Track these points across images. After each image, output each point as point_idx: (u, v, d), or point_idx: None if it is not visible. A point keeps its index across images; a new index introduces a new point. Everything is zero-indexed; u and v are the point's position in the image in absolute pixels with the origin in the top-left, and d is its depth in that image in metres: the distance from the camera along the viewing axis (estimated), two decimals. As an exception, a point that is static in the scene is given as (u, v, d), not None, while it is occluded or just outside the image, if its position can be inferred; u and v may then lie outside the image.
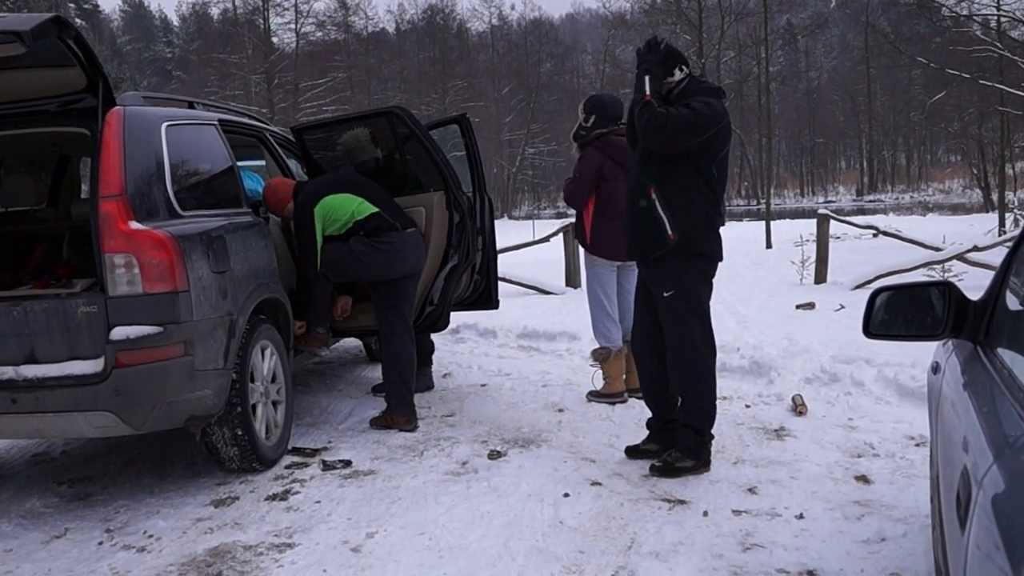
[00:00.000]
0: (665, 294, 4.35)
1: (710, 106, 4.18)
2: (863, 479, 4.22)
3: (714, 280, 4.51)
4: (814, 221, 12.32)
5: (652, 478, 4.33)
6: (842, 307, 8.79)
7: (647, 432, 4.74)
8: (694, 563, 3.36)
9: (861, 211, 45.04)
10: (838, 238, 17.36)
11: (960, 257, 10.76)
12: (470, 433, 5.23)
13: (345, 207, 5.20)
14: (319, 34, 54.73)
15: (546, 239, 13.21)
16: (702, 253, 4.33)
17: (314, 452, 4.95)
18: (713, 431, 4.46)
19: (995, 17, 22.33)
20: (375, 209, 5.25)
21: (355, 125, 6.13)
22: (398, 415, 5.34)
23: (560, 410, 5.71)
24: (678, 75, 4.34)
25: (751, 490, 4.12)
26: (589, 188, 5.64)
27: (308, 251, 5.21)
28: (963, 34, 23.81)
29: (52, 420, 3.91)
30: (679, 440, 4.42)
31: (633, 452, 4.68)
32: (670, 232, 4.24)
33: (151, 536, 3.87)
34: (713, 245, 4.37)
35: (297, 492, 4.34)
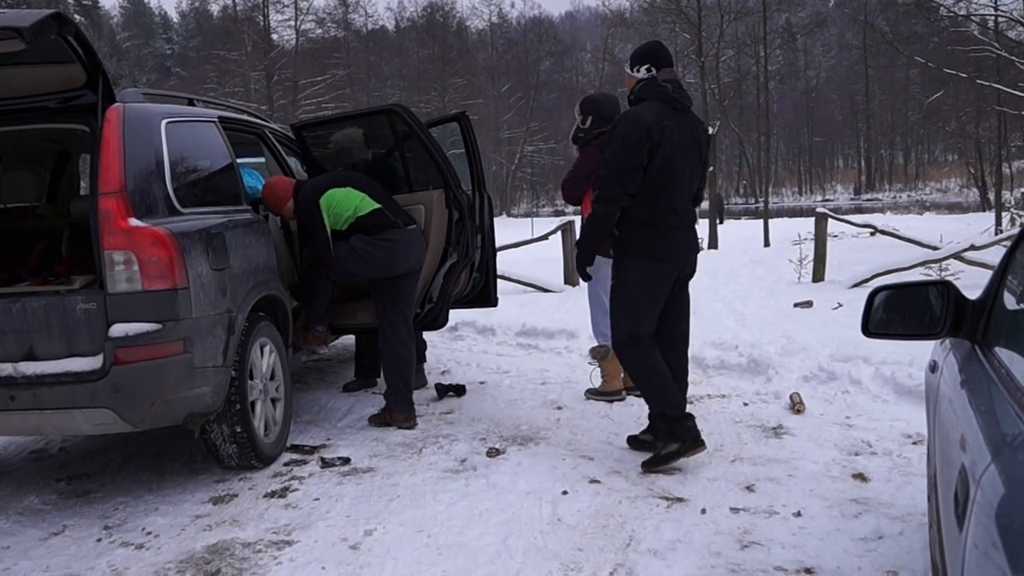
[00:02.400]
0: (612, 283, 4.63)
1: (627, 123, 4.40)
2: (860, 477, 4.23)
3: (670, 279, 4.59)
4: (812, 219, 12.32)
5: (650, 475, 4.34)
6: (840, 305, 8.79)
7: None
8: (692, 561, 3.37)
9: (859, 210, 45.11)
10: (836, 236, 17.36)
11: (957, 256, 10.76)
12: (469, 431, 5.24)
13: (348, 202, 5.20)
14: (319, 31, 54.64)
15: (545, 237, 13.20)
16: (637, 253, 4.48)
17: (313, 449, 4.95)
18: (711, 428, 4.47)
19: (993, 17, 22.33)
20: (377, 205, 5.25)
21: (355, 123, 6.13)
22: (397, 412, 5.35)
23: (559, 408, 5.72)
24: (642, 73, 4.57)
25: (749, 488, 4.13)
26: (583, 185, 5.67)
27: (318, 241, 5.17)
28: (961, 34, 23.84)
29: (50, 417, 3.90)
30: (655, 429, 4.60)
31: (633, 441, 4.86)
32: (615, 231, 4.52)
33: (149, 533, 3.87)
34: (647, 246, 4.48)
35: (296, 489, 4.34)
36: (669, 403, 4.48)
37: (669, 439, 4.44)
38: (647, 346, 4.54)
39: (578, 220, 6.03)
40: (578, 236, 4.83)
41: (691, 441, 4.42)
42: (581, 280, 4.85)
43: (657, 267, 4.49)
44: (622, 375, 5.86)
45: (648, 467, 4.42)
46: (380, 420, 5.38)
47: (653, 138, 4.34)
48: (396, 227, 5.26)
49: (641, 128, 4.33)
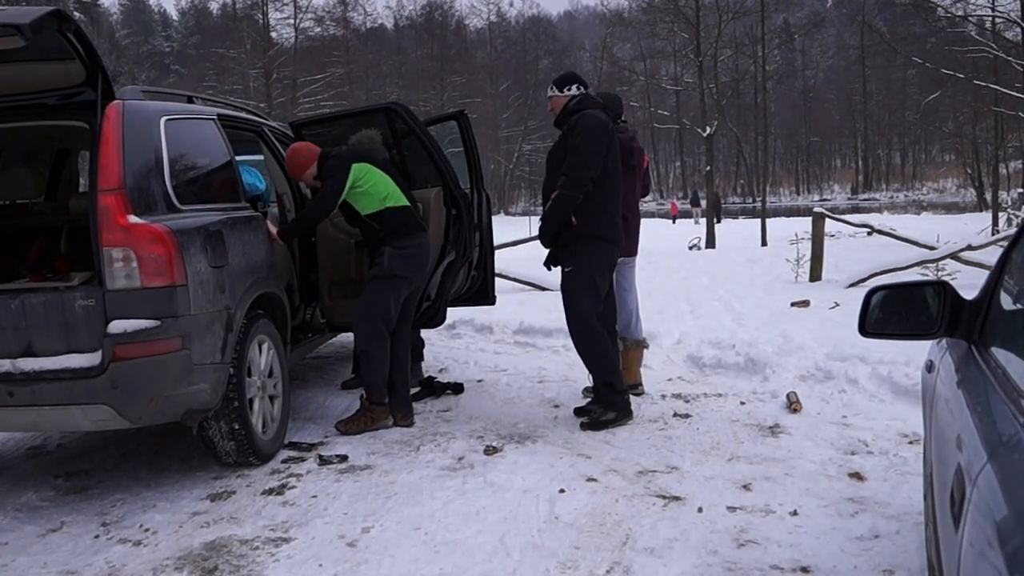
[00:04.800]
0: (566, 269, 5.21)
1: (591, 118, 5.04)
2: (857, 476, 4.24)
3: (615, 265, 5.30)
4: (809, 219, 12.33)
5: (647, 474, 4.35)
6: (837, 305, 8.81)
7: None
8: (689, 559, 3.38)
9: (856, 209, 45.23)
10: (833, 236, 17.39)
11: (954, 256, 10.79)
12: (466, 429, 5.24)
13: (382, 186, 5.19)
14: (318, 29, 54.66)
15: (542, 236, 13.18)
16: (597, 234, 5.10)
17: (311, 447, 4.96)
18: (707, 427, 4.49)
19: (990, 18, 22.36)
20: (407, 203, 5.25)
21: (353, 121, 6.13)
22: (395, 410, 5.35)
23: (556, 406, 5.73)
24: (574, 91, 5.28)
25: (746, 487, 4.14)
26: None
27: (323, 202, 5.12)
28: (958, 35, 23.86)
29: (49, 413, 3.91)
30: (600, 397, 5.23)
31: (579, 411, 5.40)
32: (573, 220, 5.09)
33: (147, 530, 3.88)
34: (607, 228, 5.13)
35: (293, 487, 4.34)
36: (618, 377, 5.20)
37: (609, 408, 5.15)
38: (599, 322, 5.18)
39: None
40: (544, 213, 5.30)
41: (624, 412, 5.16)
42: (544, 246, 5.39)
43: (612, 249, 5.20)
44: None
45: (587, 428, 5.11)
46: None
47: (609, 134, 5.09)
48: (422, 230, 5.27)
49: (604, 122, 5.07)
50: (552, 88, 5.36)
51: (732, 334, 7.25)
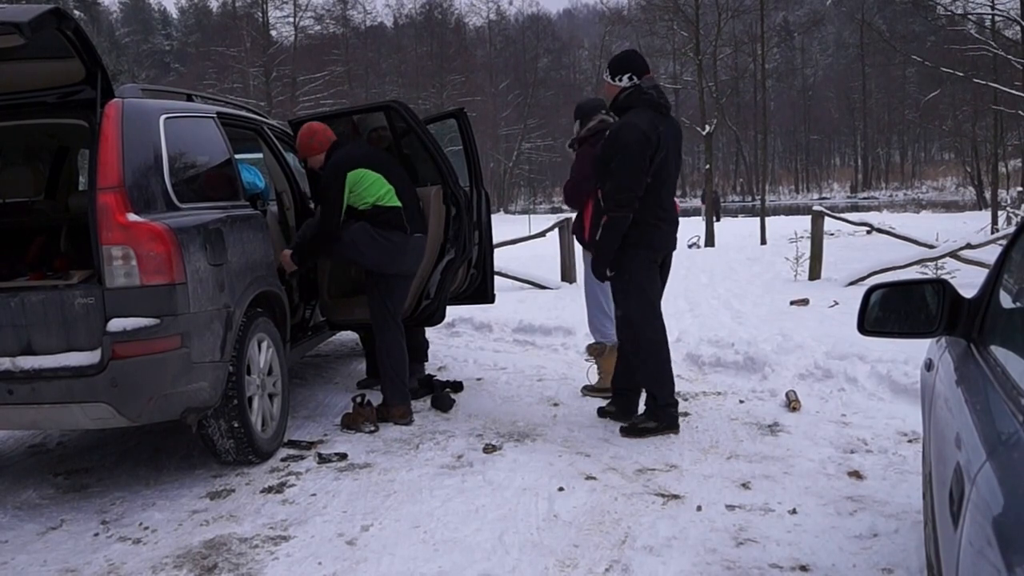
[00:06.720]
0: (609, 274, 5.03)
1: (629, 132, 4.74)
2: (856, 475, 4.24)
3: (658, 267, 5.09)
4: (809, 218, 12.34)
5: (646, 472, 4.35)
6: (836, 303, 8.81)
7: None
8: (687, 558, 3.38)
9: (855, 208, 45.18)
10: (832, 235, 17.41)
11: (953, 255, 10.78)
12: (465, 427, 5.25)
13: (375, 189, 5.22)
14: (317, 28, 54.75)
15: (542, 234, 13.21)
16: (637, 243, 4.90)
17: (310, 445, 4.96)
18: (706, 425, 4.48)
19: (989, 16, 22.35)
20: (399, 204, 5.26)
21: (353, 118, 6.13)
22: (394, 408, 5.35)
23: (555, 404, 5.73)
24: (625, 82, 4.92)
25: (744, 485, 4.14)
26: (587, 187, 5.67)
27: (328, 214, 5.21)
28: (958, 33, 23.85)
29: (49, 411, 3.91)
30: (645, 404, 5.07)
31: (601, 412, 5.37)
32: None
33: (147, 528, 3.88)
34: (645, 237, 4.92)
35: (293, 485, 4.35)
36: (662, 387, 4.99)
37: (649, 417, 4.99)
38: (662, 331, 5.01)
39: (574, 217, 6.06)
40: (598, 239, 5.02)
41: (667, 424, 4.95)
42: (599, 280, 5.19)
43: (651, 254, 4.99)
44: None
45: (625, 434, 4.96)
46: (381, 416, 5.37)
47: (652, 144, 4.75)
48: (403, 231, 5.26)
49: (643, 136, 4.73)
50: (606, 72, 5.08)
51: (731, 332, 7.25)
